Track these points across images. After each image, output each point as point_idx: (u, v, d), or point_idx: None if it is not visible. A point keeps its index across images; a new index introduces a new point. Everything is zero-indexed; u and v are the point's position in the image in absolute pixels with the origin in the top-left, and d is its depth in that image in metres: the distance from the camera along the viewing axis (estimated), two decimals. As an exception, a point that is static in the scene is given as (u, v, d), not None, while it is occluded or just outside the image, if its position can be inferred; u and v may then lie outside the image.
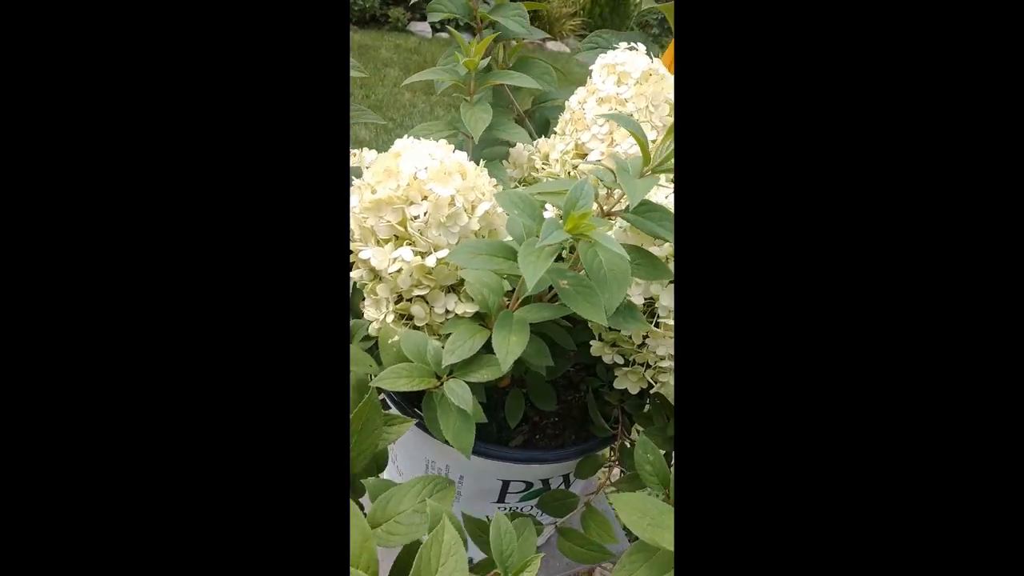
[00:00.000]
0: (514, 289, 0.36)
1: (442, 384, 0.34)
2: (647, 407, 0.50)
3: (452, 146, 0.38)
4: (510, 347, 0.29)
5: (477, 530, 0.47)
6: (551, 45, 3.12)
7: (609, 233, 0.39)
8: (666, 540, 0.30)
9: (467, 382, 0.34)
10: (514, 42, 0.59)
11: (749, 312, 0.22)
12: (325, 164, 0.22)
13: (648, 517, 0.34)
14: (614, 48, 0.43)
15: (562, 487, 0.53)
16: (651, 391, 0.51)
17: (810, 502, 0.22)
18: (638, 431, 0.48)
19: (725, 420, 0.22)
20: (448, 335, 0.34)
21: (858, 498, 0.21)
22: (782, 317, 0.22)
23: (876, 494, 0.21)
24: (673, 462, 0.38)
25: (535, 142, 0.48)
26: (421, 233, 0.35)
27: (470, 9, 0.54)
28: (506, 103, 0.58)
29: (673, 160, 0.31)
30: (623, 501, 0.35)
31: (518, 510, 0.53)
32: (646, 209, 0.33)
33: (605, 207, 0.35)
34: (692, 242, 0.22)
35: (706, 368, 0.22)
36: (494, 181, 0.40)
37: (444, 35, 3.11)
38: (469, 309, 0.37)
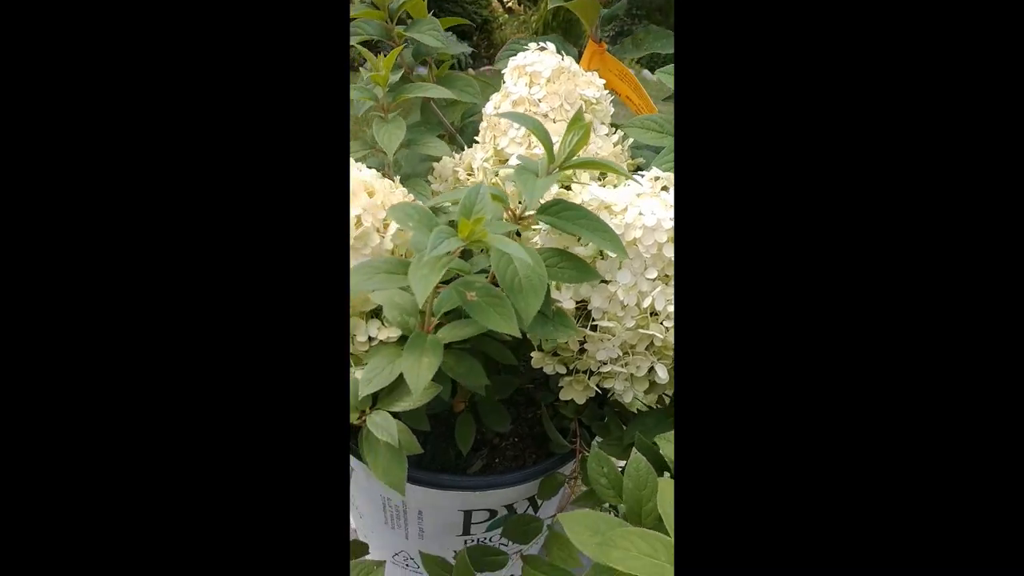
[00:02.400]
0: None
1: (365, 418, 0.32)
2: (606, 418, 0.47)
3: (360, 165, 0.36)
4: (421, 371, 0.27)
5: (439, 570, 0.44)
6: (507, 68, 3.16)
7: (535, 239, 0.37)
8: (615, 559, 0.28)
9: (394, 412, 0.31)
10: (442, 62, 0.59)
11: (749, 311, 0.21)
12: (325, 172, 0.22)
13: (599, 535, 0.31)
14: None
15: (530, 511, 0.51)
16: (609, 398, 0.49)
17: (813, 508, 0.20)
18: (598, 443, 0.46)
19: (725, 424, 0.21)
20: (371, 364, 0.32)
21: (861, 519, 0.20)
22: (782, 316, 0.21)
23: (880, 511, 0.20)
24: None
25: (459, 154, 0.47)
26: (328, 257, 0.33)
27: (386, 30, 0.53)
28: (435, 121, 0.57)
29: (579, 155, 0.30)
30: (571, 519, 0.33)
31: (484, 541, 0.51)
32: (561, 208, 0.31)
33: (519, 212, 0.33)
34: (692, 240, 0.21)
35: (706, 368, 0.21)
36: (411, 198, 0.38)
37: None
38: (392, 334, 0.35)
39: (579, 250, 0.35)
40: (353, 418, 0.31)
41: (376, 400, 0.32)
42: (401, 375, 0.31)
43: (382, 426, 0.30)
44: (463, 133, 0.59)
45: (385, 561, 0.33)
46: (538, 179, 0.27)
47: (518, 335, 0.26)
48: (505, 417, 0.47)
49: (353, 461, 0.49)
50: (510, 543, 0.49)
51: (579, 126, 0.28)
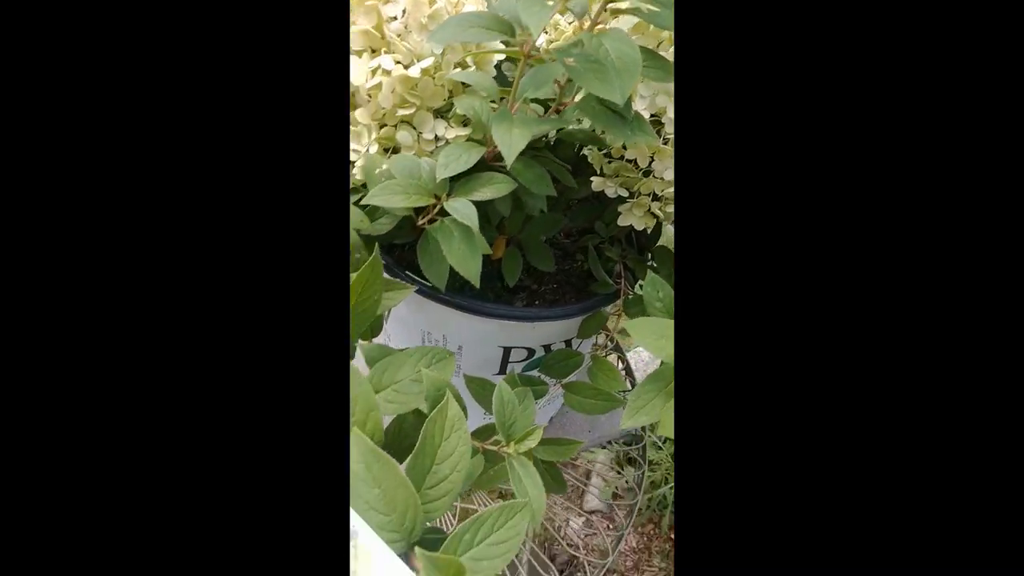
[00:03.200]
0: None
1: (440, 206, 0.31)
2: (650, 261, 0.48)
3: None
4: (513, 139, 0.26)
5: (481, 390, 0.45)
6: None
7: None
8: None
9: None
10: None
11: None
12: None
13: (664, 338, 0.32)
14: None
15: (564, 353, 0.52)
16: (653, 248, 0.49)
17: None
18: (641, 285, 0.46)
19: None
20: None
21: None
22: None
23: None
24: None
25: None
26: (400, 37, 0.31)
27: None
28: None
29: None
30: (637, 325, 0.33)
31: (521, 379, 0.52)
32: (654, -6, 0.29)
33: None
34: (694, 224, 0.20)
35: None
36: (479, -2, 0.36)
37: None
38: (461, 133, 0.34)
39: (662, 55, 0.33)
40: (426, 201, 0.31)
41: (451, 191, 0.31)
42: (477, 165, 0.31)
43: (461, 210, 0.29)
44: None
45: (453, 353, 0.33)
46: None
47: (620, 102, 0.25)
48: (549, 257, 0.47)
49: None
50: (554, 383, 0.50)
51: None
